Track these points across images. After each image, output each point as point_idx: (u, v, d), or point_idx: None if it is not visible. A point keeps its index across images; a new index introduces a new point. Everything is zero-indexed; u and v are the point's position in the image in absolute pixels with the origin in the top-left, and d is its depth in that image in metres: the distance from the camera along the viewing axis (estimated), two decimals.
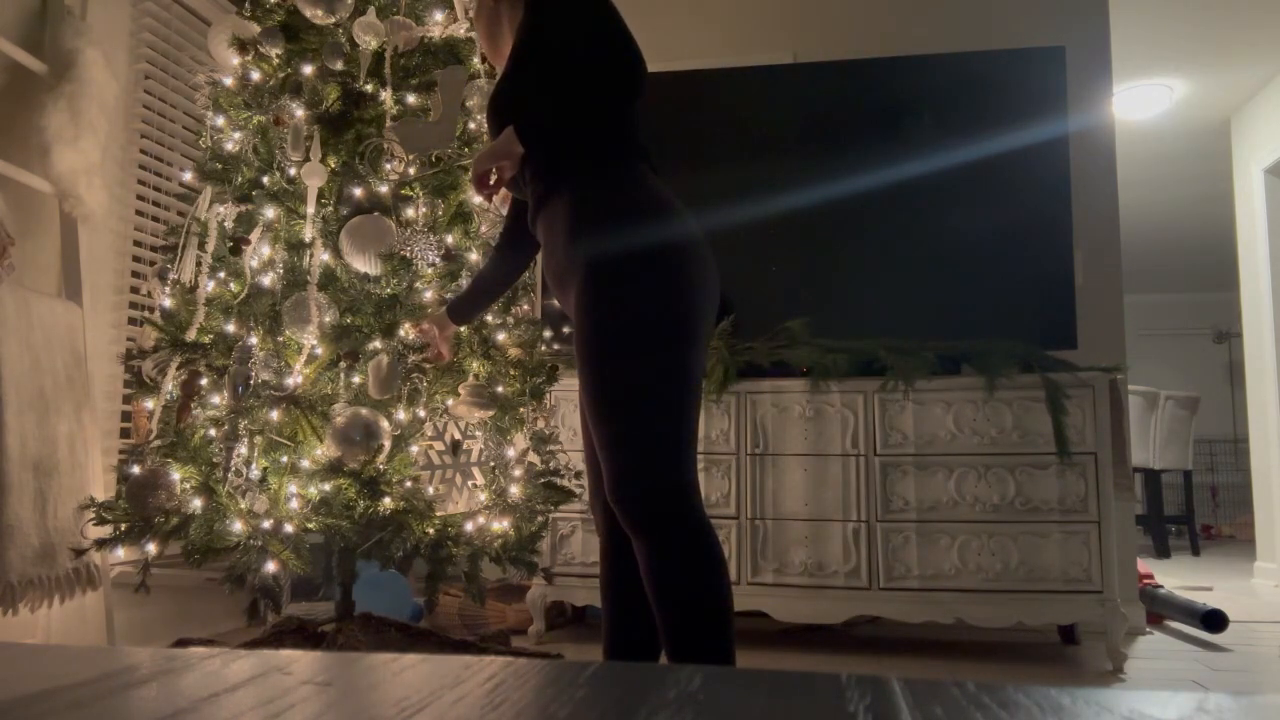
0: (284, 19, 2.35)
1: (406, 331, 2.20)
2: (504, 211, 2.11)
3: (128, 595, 2.59)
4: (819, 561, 2.84)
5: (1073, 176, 3.28)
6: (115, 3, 2.84)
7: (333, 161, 2.30)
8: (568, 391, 2.97)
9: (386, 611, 2.48)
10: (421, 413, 2.23)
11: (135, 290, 2.90)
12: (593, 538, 2.97)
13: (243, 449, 2.09)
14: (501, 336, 2.35)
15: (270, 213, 2.27)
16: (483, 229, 2.42)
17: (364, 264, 2.20)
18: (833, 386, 2.89)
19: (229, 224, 2.31)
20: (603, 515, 1.78)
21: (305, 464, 2.11)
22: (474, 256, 2.37)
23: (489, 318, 2.35)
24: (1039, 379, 2.77)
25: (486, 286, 2.01)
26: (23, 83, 2.49)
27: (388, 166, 2.32)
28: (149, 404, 2.26)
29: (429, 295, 2.26)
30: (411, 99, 2.35)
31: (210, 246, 2.30)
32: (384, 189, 2.28)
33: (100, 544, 2.14)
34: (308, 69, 2.32)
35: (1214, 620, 3.02)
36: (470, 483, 2.22)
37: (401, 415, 2.19)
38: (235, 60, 2.37)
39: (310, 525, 2.07)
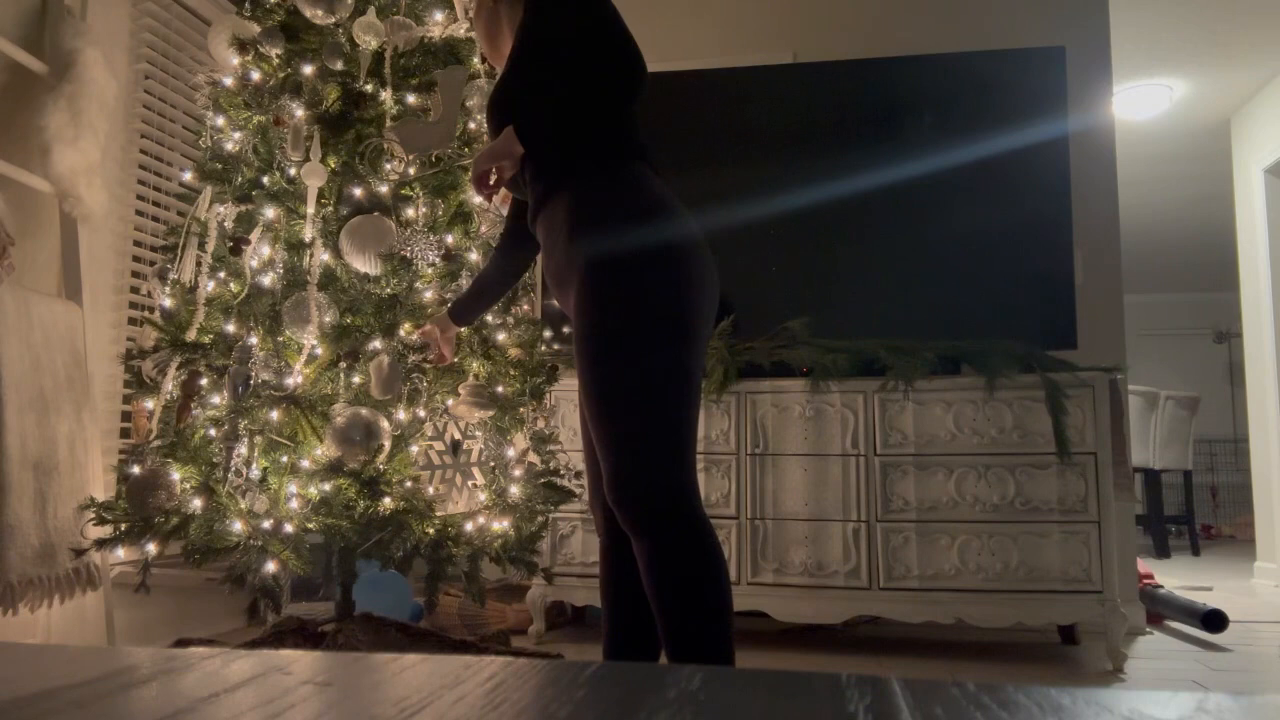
0: (284, 19, 2.35)
1: (407, 331, 2.20)
2: (504, 211, 2.11)
3: (128, 595, 2.59)
4: (819, 561, 2.84)
5: (1073, 176, 3.28)
6: (115, 3, 2.84)
7: (333, 161, 2.30)
8: (568, 391, 2.97)
9: (386, 611, 2.48)
10: (421, 413, 2.23)
11: (135, 290, 2.90)
12: (593, 538, 2.97)
13: (243, 449, 2.09)
14: (501, 336, 2.35)
15: (270, 213, 2.27)
16: (483, 229, 2.42)
17: (364, 264, 2.20)
18: (833, 386, 2.89)
19: (229, 224, 2.31)
20: (603, 515, 1.78)
21: (305, 464, 2.11)
22: (474, 256, 2.37)
23: (489, 318, 2.35)
24: (1039, 379, 2.77)
25: (487, 287, 2.01)
26: (23, 83, 2.49)
27: (388, 166, 2.32)
28: (149, 404, 2.26)
29: (429, 295, 2.26)
30: (411, 99, 2.35)
31: (210, 246, 2.31)
32: (384, 189, 2.28)
33: (100, 544, 2.14)
34: (308, 69, 2.32)
35: (1214, 620, 3.02)
36: (470, 483, 2.22)
37: (401, 415, 2.19)
38: (235, 60, 2.37)
39: (310, 525, 2.07)
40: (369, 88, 2.33)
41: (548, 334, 2.50)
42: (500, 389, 2.29)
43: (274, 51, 2.33)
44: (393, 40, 2.35)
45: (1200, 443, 8.76)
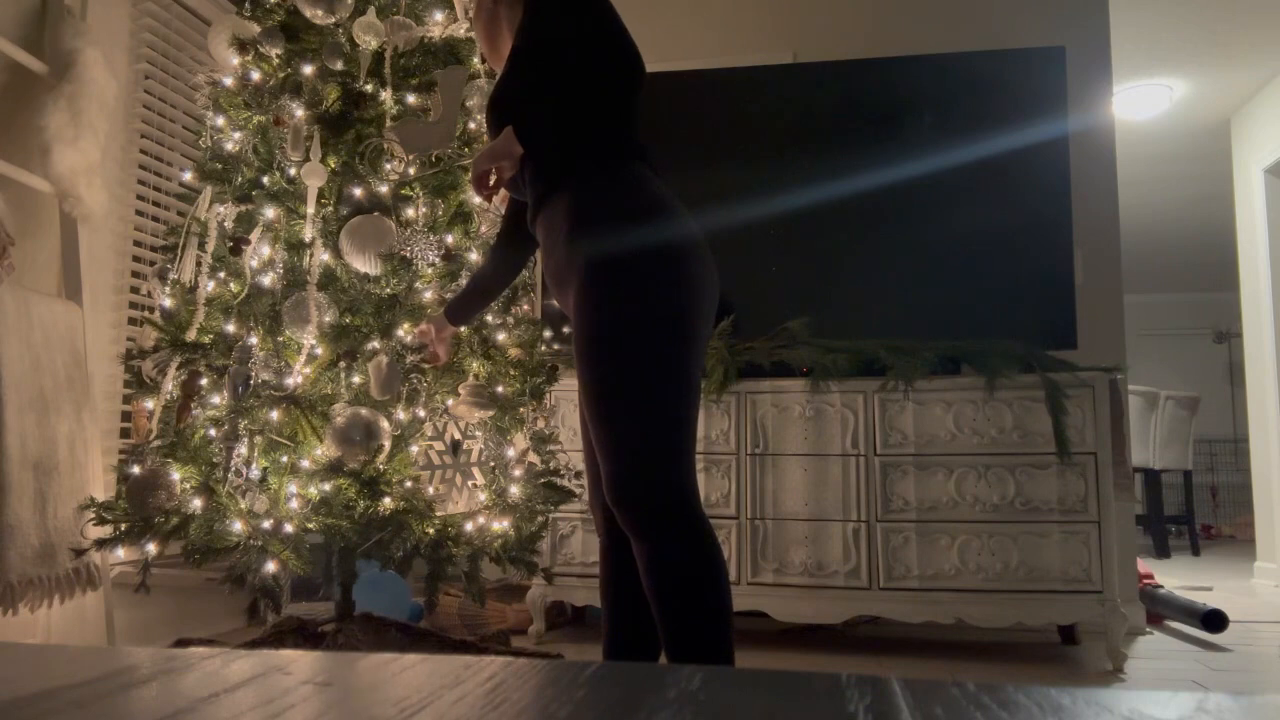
0: (284, 19, 2.35)
1: (406, 331, 2.20)
2: (504, 211, 2.11)
3: (128, 595, 2.59)
4: (819, 561, 2.84)
5: (1073, 176, 3.28)
6: (115, 3, 2.84)
7: (333, 161, 2.30)
8: (568, 391, 2.97)
9: (386, 611, 2.48)
10: (421, 413, 2.23)
11: (135, 290, 2.90)
12: (593, 538, 2.97)
13: (243, 449, 2.09)
14: (501, 336, 2.35)
15: (270, 213, 2.27)
16: (483, 229, 2.42)
17: (364, 264, 2.20)
18: (833, 386, 2.89)
19: (229, 224, 2.31)
20: (603, 515, 1.78)
21: (305, 464, 2.11)
22: (474, 256, 2.37)
23: (489, 317, 2.35)
24: (1039, 379, 2.77)
25: (484, 286, 2.01)
26: (23, 83, 2.49)
27: (388, 166, 2.32)
28: (149, 404, 2.26)
29: (429, 295, 2.26)
30: (411, 99, 2.35)
31: (210, 246, 2.31)
32: (384, 189, 2.28)
33: (100, 544, 2.14)
34: (308, 69, 2.32)
35: (1214, 620, 3.02)
36: (470, 483, 2.22)
37: (401, 415, 2.19)
38: (235, 60, 2.37)
39: (310, 525, 2.07)
40: (369, 88, 2.33)
41: (548, 334, 2.50)
42: (500, 389, 2.29)
43: (274, 51, 2.33)
44: (393, 40, 2.35)
45: (1200, 443, 8.76)
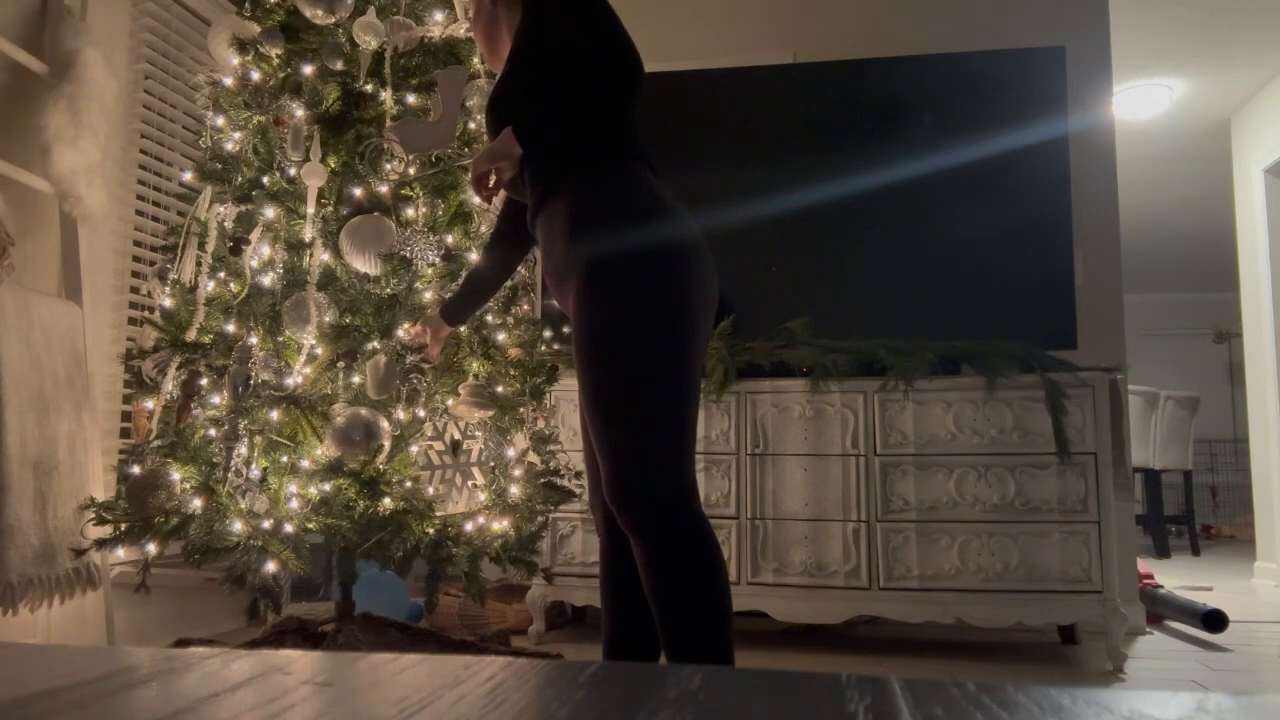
0: (284, 19, 2.35)
1: (405, 331, 2.20)
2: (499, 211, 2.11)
3: (128, 595, 2.59)
4: (819, 561, 2.84)
5: (1073, 176, 3.28)
6: (115, 3, 2.85)
7: (333, 161, 2.30)
8: (568, 391, 2.97)
9: (386, 611, 2.48)
10: (421, 413, 2.23)
11: (135, 290, 2.90)
12: (593, 538, 2.97)
13: (243, 449, 2.09)
14: (501, 336, 2.35)
15: (270, 213, 2.27)
16: (483, 229, 2.42)
17: (364, 264, 2.20)
18: (833, 386, 2.89)
19: (229, 224, 2.31)
20: (603, 515, 1.78)
21: (305, 464, 2.11)
22: (474, 256, 2.37)
23: (489, 317, 2.35)
24: (1039, 379, 2.77)
25: (480, 285, 2.01)
26: (23, 83, 2.49)
27: (388, 166, 2.32)
28: (149, 404, 2.26)
29: (429, 295, 2.26)
30: (411, 99, 2.35)
31: (210, 246, 2.30)
32: (384, 189, 2.28)
33: (100, 544, 2.14)
34: (308, 69, 2.32)
35: (1214, 620, 3.02)
36: (470, 483, 2.22)
37: (401, 415, 2.19)
38: (235, 60, 2.37)
39: (310, 525, 2.07)
40: (369, 88, 2.33)
41: (548, 334, 2.50)
42: (500, 389, 2.29)
43: (274, 51, 2.33)
44: (393, 40, 2.35)
45: (1200, 443, 8.76)
